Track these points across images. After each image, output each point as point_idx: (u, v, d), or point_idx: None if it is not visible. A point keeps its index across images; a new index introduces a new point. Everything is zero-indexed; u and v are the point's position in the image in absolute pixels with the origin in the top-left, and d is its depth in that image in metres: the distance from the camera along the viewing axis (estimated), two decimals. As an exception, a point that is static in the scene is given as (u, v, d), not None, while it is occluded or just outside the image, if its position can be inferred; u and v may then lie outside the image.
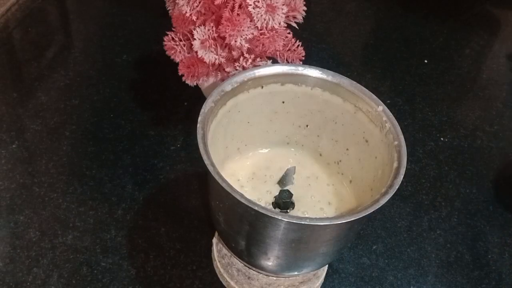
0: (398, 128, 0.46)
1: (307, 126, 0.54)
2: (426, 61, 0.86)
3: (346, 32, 0.90)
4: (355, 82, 0.50)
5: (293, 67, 0.50)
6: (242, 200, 0.39)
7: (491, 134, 0.76)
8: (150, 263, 0.58)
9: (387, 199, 0.41)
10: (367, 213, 0.40)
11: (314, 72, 0.50)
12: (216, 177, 0.40)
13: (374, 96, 0.49)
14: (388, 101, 0.76)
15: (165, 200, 0.64)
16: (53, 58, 0.80)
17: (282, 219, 0.39)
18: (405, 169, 0.44)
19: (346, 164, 0.53)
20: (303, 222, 0.39)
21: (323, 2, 0.95)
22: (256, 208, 0.39)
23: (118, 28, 0.85)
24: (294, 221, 0.39)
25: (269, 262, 0.45)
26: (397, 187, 0.42)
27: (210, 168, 0.41)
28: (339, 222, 0.40)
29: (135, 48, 0.82)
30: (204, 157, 0.41)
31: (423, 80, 0.83)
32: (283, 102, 0.52)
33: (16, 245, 0.58)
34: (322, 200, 0.53)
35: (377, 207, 0.41)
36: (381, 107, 0.47)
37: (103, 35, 0.85)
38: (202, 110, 0.45)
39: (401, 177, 0.43)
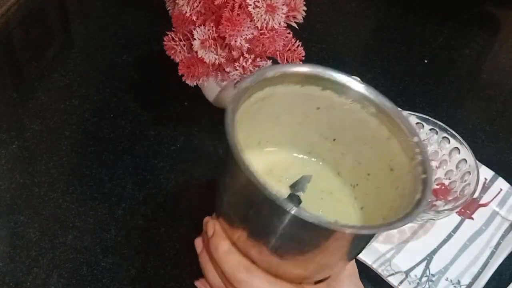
0: (429, 161, 0.44)
1: (334, 140, 0.52)
2: (426, 61, 0.86)
3: (346, 32, 0.90)
4: (396, 107, 0.47)
5: (340, 75, 0.47)
6: (254, 179, 0.37)
7: (491, 134, 0.76)
8: (150, 263, 0.58)
9: (400, 226, 0.40)
10: (376, 231, 0.39)
11: (358, 86, 0.48)
12: (233, 147, 0.38)
13: (412, 125, 0.46)
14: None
15: (165, 200, 0.64)
16: (53, 58, 0.80)
17: (289, 210, 0.37)
18: (427, 202, 0.42)
19: (363, 189, 0.51)
20: (310, 220, 0.37)
21: (323, 2, 0.95)
22: (269, 191, 0.37)
23: (118, 28, 0.85)
24: (300, 215, 0.37)
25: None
26: (414, 218, 0.41)
27: (230, 136, 0.39)
28: (345, 231, 0.39)
29: (135, 48, 0.82)
30: (228, 126, 0.39)
31: (423, 80, 0.83)
32: (318, 108, 0.49)
33: (16, 245, 0.58)
34: (328, 217, 0.50)
35: (387, 230, 0.40)
36: (417, 138, 0.45)
37: (103, 35, 0.84)
38: (239, 85, 0.43)
39: (422, 209, 0.41)
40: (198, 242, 0.48)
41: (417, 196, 0.42)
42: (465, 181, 0.61)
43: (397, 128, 0.47)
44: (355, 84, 0.48)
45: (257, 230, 0.42)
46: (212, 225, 0.45)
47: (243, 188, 0.41)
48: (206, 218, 0.47)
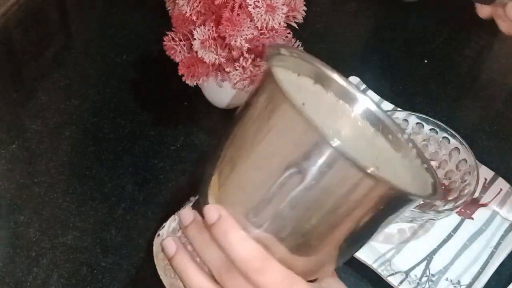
0: (421, 151, 0.45)
1: None
2: (426, 61, 0.86)
3: (346, 32, 0.90)
4: (382, 107, 0.47)
5: (332, 72, 0.45)
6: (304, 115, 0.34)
7: (491, 134, 0.76)
8: (150, 263, 0.58)
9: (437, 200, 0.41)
10: (417, 196, 0.38)
11: (348, 85, 0.46)
12: (289, 98, 0.35)
13: (397, 123, 0.46)
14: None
15: (165, 200, 0.64)
16: (53, 58, 0.80)
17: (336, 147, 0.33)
18: (440, 183, 0.43)
19: None
20: (362, 165, 0.34)
21: (323, 2, 0.94)
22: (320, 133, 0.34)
23: (118, 28, 0.85)
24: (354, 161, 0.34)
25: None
26: (440, 198, 0.42)
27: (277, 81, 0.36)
28: (389, 181, 0.35)
29: (135, 48, 0.82)
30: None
31: (423, 80, 0.83)
32: (303, 104, 0.46)
33: (16, 245, 0.58)
34: None
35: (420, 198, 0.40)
36: (406, 136, 0.45)
37: (103, 35, 0.84)
38: (271, 48, 0.41)
39: (440, 188, 0.42)
40: (170, 243, 0.41)
41: (429, 180, 0.43)
42: (465, 181, 0.61)
43: (383, 125, 0.46)
44: (344, 81, 0.46)
45: (281, 204, 0.37)
46: (216, 209, 0.38)
47: (287, 142, 0.37)
48: (185, 209, 0.42)
